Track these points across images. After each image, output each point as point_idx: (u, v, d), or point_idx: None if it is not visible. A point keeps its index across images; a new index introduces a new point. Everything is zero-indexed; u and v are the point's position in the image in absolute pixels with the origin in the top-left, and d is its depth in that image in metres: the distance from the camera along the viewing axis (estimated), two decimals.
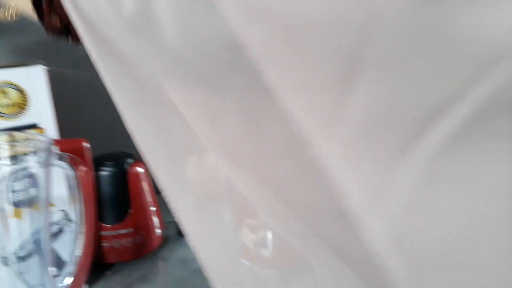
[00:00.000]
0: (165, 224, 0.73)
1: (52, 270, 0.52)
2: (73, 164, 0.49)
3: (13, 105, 0.52)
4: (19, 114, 0.53)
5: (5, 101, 0.52)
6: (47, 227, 0.48)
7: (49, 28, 0.42)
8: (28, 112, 0.53)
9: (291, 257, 0.55)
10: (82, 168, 0.49)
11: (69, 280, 0.53)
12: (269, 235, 0.57)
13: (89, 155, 0.52)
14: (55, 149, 0.46)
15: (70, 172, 0.48)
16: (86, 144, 0.52)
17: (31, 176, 0.47)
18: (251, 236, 0.59)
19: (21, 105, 0.53)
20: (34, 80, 0.53)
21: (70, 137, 0.54)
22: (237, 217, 0.55)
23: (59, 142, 0.45)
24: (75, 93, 0.86)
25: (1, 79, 0.51)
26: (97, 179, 0.65)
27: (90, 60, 0.35)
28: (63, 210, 0.61)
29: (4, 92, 0.51)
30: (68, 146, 0.50)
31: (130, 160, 0.69)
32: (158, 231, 0.71)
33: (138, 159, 0.71)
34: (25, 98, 0.53)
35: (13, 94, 0.52)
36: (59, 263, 0.56)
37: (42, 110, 0.54)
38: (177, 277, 0.65)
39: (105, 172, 0.65)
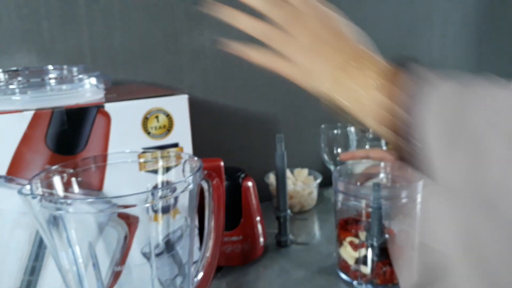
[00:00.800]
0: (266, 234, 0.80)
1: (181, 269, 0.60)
2: (211, 179, 0.56)
3: (162, 127, 0.61)
4: (166, 135, 0.61)
5: (156, 124, 0.60)
6: (193, 231, 0.57)
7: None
8: (172, 133, 0.62)
9: (389, 275, 0.60)
10: (218, 182, 0.56)
11: (199, 277, 0.61)
12: (370, 254, 0.63)
13: (222, 172, 0.59)
14: (202, 171, 0.54)
15: (207, 185, 0.56)
16: (221, 164, 0.59)
17: (172, 186, 0.55)
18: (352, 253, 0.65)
19: (168, 128, 0.61)
20: (179, 107, 0.61)
21: (194, 153, 0.62)
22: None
23: (202, 160, 0.53)
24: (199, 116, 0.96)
25: (155, 106, 0.60)
26: None
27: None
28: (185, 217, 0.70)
29: (156, 117, 0.60)
30: (208, 164, 0.57)
31: (242, 175, 0.76)
32: (261, 240, 0.78)
33: (248, 174, 0.79)
34: (172, 121, 0.61)
35: (162, 118, 0.61)
36: (178, 264, 0.65)
37: (183, 132, 0.62)
38: (279, 284, 0.72)
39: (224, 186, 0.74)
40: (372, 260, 0.64)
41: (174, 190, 0.52)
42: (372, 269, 0.65)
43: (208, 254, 0.60)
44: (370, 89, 0.41)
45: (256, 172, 0.92)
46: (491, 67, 1.46)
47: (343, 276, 0.70)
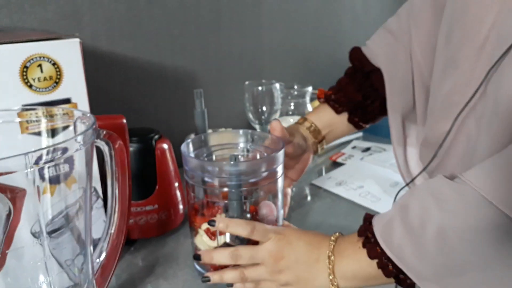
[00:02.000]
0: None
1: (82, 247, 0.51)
2: (111, 140, 0.47)
3: (47, 79, 0.49)
4: (53, 89, 0.50)
5: (39, 75, 0.49)
6: (89, 203, 0.47)
7: None
8: (61, 86, 0.50)
9: None
10: (121, 145, 0.47)
11: (102, 257, 0.52)
12: (230, 240, 0.56)
13: (126, 132, 0.50)
14: (96, 125, 0.44)
15: (107, 148, 0.47)
16: (124, 121, 0.49)
17: (66, 152, 0.45)
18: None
19: (55, 79, 0.50)
20: (69, 53, 0.50)
21: (95, 112, 0.52)
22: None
23: (98, 118, 0.43)
24: (103, 69, 0.82)
25: (37, 52, 0.48)
26: None
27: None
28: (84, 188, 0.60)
29: (39, 66, 0.48)
30: (106, 123, 0.47)
31: (156, 136, 0.67)
32: (181, 207, 0.70)
33: (163, 136, 0.70)
34: (60, 72, 0.50)
35: (47, 68, 0.49)
36: (80, 242, 0.55)
37: (75, 85, 0.51)
38: None
39: (132, 148, 0.64)
40: (233, 246, 0.54)
41: (63, 152, 0.42)
42: None
43: (112, 229, 0.51)
44: None
45: (174, 135, 0.82)
46: None
47: (200, 269, 0.58)
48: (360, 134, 1.19)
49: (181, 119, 0.98)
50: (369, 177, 0.90)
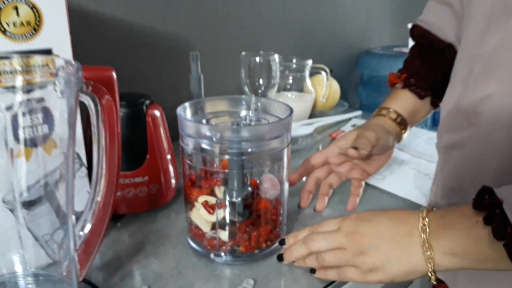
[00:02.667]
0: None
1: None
2: (98, 95, 0.40)
3: (24, 24, 0.42)
4: (31, 37, 0.43)
5: (15, 18, 0.42)
6: (71, 171, 0.41)
7: None
8: (41, 34, 0.44)
9: (255, 239, 0.51)
10: (109, 101, 0.41)
11: (86, 230, 0.46)
12: (229, 214, 0.50)
13: (115, 87, 0.43)
14: (81, 73, 0.37)
15: (93, 104, 0.40)
16: (113, 74, 0.43)
17: (46, 110, 0.39)
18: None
19: (34, 25, 0.43)
20: None
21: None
22: None
23: (83, 68, 0.37)
24: (88, 30, 0.74)
25: None
26: None
27: None
28: (76, 152, 0.53)
29: (15, 8, 0.41)
30: (92, 74, 0.40)
31: (147, 101, 0.61)
32: (173, 181, 0.64)
33: (155, 102, 0.63)
34: (40, 17, 0.43)
35: (25, 11, 0.42)
36: (60, 215, 0.49)
37: (58, 34, 0.44)
38: None
39: (121, 113, 0.57)
40: (233, 223, 0.50)
41: (39, 102, 0.37)
42: (233, 234, 0.51)
43: (99, 198, 0.45)
44: None
45: (167, 105, 0.76)
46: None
47: (196, 246, 0.54)
48: (359, 112, 1.14)
49: (174, 89, 0.92)
50: None
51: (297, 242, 0.49)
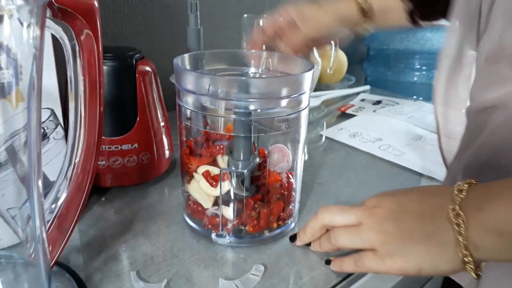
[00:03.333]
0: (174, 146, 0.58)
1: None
2: (74, 27, 0.31)
3: None
4: None
5: None
6: (36, 129, 0.32)
7: None
8: None
9: (265, 217, 0.43)
10: (89, 36, 0.32)
11: (60, 202, 0.38)
12: (234, 188, 0.42)
13: (97, 20, 0.33)
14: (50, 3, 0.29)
15: (67, 38, 0.31)
16: (96, 3, 0.33)
17: (6, 51, 0.30)
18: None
19: None
20: None
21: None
22: None
23: None
24: None
25: None
26: None
27: None
28: (48, 109, 0.44)
29: None
30: (67, 1, 0.31)
31: (137, 55, 0.51)
32: (167, 152, 0.56)
33: (146, 57, 0.54)
34: None
35: None
36: (44, 183, 0.40)
37: None
38: None
39: (106, 67, 0.48)
40: (239, 198, 0.42)
41: None
42: (239, 211, 0.43)
43: (76, 159, 0.36)
44: None
45: (161, 66, 0.67)
46: None
47: (194, 225, 0.45)
48: (367, 87, 1.06)
49: (170, 47, 0.82)
50: (387, 130, 0.77)
51: (311, 219, 0.41)
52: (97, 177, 0.51)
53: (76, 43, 0.33)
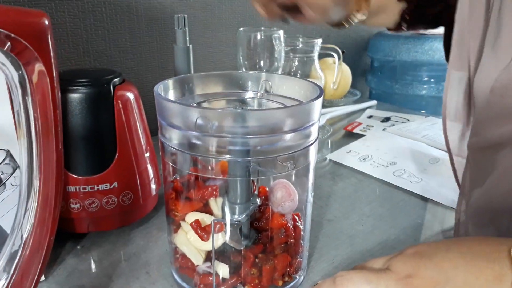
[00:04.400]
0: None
1: None
2: (22, 59, 0.24)
3: None
4: None
5: None
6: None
7: None
8: None
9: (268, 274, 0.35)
10: (40, 71, 0.25)
11: (15, 263, 0.30)
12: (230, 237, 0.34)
13: (52, 46, 0.26)
14: None
15: (16, 74, 0.24)
16: (45, 22, 0.26)
17: None
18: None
19: None
20: None
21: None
22: None
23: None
24: None
25: None
26: (64, 105, 0.41)
27: None
28: (3, 150, 0.37)
29: None
30: (11, 21, 0.24)
31: (116, 80, 0.44)
32: (153, 186, 0.48)
33: (128, 81, 0.47)
34: None
35: None
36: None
37: None
38: None
39: (76, 94, 0.41)
40: (236, 251, 0.35)
41: None
42: (237, 268, 0.35)
43: (33, 208, 0.29)
44: None
45: (147, 88, 0.60)
46: None
47: (183, 284, 0.38)
48: (374, 102, 0.99)
49: (157, 67, 0.75)
50: (400, 152, 0.70)
51: (325, 281, 0.33)
52: (71, 222, 0.44)
53: (24, 74, 0.26)
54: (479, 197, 0.40)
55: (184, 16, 0.48)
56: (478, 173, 0.40)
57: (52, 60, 0.26)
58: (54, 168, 0.28)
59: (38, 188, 0.29)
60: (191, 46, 0.49)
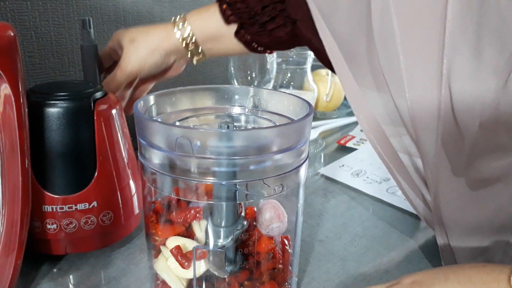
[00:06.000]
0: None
1: None
2: None
3: None
4: None
5: None
6: None
7: None
8: None
9: None
10: (6, 93, 0.23)
11: None
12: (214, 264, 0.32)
13: (19, 59, 0.24)
14: None
15: None
16: (11, 34, 0.24)
17: None
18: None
19: None
20: None
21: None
22: None
23: None
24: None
25: None
26: (40, 120, 0.38)
27: None
28: None
29: None
30: None
31: (97, 94, 0.42)
32: (136, 206, 0.46)
33: (110, 93, 0.45)
34: None
35: None
36: None
37: None
38: None
39: (54, 109, 0.39)
40: (220, 279, 0.33)
41: None
42: None
43: None
44: None
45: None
46: None
47: None
48: None
49: None
50: None
51: None
52: (47, 243, 0.41)
53: None
54: (474, 231, 0.39)
55: (89, 18, 0.50)
56: (470, 206, 0.38)
57: (19, 77, 0.24)
58: (20, 189, 0.26)
59: (2, 210, 0.27)
60: (97, 45, 0.51)
